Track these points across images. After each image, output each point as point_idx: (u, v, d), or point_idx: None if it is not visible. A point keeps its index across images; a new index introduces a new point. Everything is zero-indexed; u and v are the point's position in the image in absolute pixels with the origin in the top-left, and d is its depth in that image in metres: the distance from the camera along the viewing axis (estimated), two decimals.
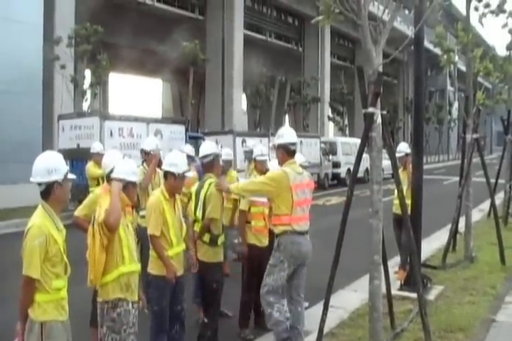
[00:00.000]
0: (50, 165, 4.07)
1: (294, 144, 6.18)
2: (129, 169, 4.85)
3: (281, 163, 6.18)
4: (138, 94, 52.61)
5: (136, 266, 4.80)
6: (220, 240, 6.29)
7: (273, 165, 6.87)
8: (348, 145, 32.31)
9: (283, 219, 5.92)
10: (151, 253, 5.58)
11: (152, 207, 5.54)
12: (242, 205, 7.08)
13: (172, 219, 5.58)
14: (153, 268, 5.58)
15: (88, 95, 23.16)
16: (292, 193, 5.87)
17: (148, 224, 5.53)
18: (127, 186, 4.73)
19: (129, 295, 4.65)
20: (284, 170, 5.97)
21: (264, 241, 6.99)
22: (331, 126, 50.24)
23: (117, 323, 4.57)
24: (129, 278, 4.68)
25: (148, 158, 8.28)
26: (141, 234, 6.85)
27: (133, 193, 4.91)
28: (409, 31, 45.40)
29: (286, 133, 6.21)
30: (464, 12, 10.45)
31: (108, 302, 4.59)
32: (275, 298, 5.88)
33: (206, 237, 6.24)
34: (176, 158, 5.77)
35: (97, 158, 9.66)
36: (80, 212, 6.20)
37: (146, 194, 7.53)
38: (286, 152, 6.12)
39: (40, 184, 4.07)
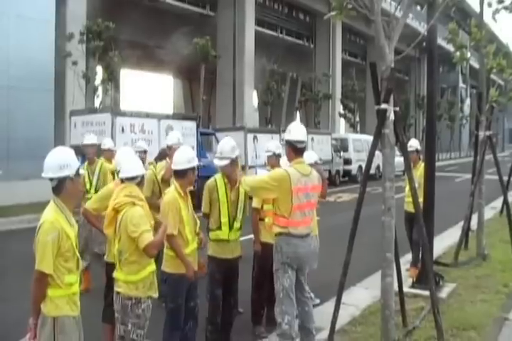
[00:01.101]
0: (62, 161, 4.06)
1: (301, 142, 5.90)
2: (133, 164, 4.95)
3: (288, 160, 6.02)
4: (149, 90, 52.60)
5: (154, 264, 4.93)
6: (213, 235, 6.15)
7: (285, 161, 6.73)
8: (359, 141, 32.29)
9: (280, 221, 5.79)
10: (166, 251, 5.52)
11: (169, 205, 5.42)
12: (255, 203, 7.02)
13: (187, 216, 5.53)
14: (169, 267, 5.50)
15: (100, 91, 23.23)
16: (292, 197, 5.68)
17: (164, 223, 5.43)
18: (142, 181, 4.84)
19: (150, 293, 4.76)
20: (286, 171, 5.77)
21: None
22: (342, 123, 50.10)
23: (142, 319, 4.63)
24: (153, 277, 4.85)
25: (170, 152, 8.23)
26: None
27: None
28: (421, 27, 45.21)
29: (294, 130, 5.96)
30: (477, 8, 10.41)
31: (131, 299, 4.63)
32: (287, 305, 5.74)
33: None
34: (189, 152, 5.76)
35: (108, 154, 9.66)
36: (90, 204, 6.27)
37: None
38: (292, 149, 5.90)
39: (51, 179, 4.06)
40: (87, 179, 9.20)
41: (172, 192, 5.52)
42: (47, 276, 3.92)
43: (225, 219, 6.13)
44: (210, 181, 6.22)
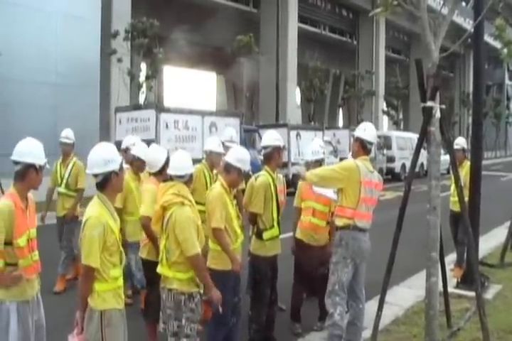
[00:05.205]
0: (107, 156, 4.14)
1: (371, 143, 6.03)
2: (183, 162, 4.98)
3: (354, 155, 6.06)
4: (192, 87, 52.91)
5: None
6: (268, 235, 6.11)
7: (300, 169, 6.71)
8: (402, 139, 31.95)
9: (347, 212, 5.79)
10: (214, 247, 5.45)
11: (215, 200, 5.40)
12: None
13: (233, 211, 5.56)
14: (216, 263, 5.43)
15: (144, 88, 23.48)
16: (361, 188, 5.73)
17: (211, 218, 5.38)
18: (190, 179, 4.89)
19: (199, 289, 4.83)
20: (356, 163, 5.84)
21: (317, 238, 6.95)
22: (385, 120, 49.70)
23: (195, 313, 4.71)
24: None
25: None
26: None
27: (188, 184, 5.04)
28: (466, 24, 44.46)
29: (369, 130, 6.05)
30: None
31: (184, 294, 4.70)
32: (341, 297, 5.77)
33: (254, 229, 6.24)
34: (244, 154, 5.68)
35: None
36: (147, 211, 5.85)
37: None
38: (362, 147, 5.98)
39: (96, 175, 4.13)
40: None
41: (218, 188, 5.50)
42: (93, 270, 4.00)
43: (275, 215, 6.16)
44: (264, 180, 6.11)
